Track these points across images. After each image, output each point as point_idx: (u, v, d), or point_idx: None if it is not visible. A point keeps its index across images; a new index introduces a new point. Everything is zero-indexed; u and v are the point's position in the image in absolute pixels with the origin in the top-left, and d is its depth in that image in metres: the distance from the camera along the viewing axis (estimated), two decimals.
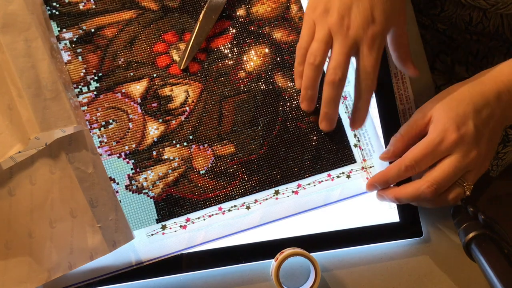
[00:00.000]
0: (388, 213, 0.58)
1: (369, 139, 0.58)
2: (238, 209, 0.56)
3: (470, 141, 0.50)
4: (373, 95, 0.59)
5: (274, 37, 0.59)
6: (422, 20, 0.77)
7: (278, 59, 0.59)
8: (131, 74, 0.57)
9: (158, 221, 0.55)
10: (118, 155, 0.55)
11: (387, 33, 0.52)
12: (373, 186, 0.56)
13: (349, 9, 0.50)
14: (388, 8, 0.50)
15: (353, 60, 0.52)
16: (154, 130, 0.56)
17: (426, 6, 0.74)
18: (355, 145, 0.58)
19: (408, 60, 0.55)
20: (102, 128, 0.56)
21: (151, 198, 0.55)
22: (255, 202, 0.56)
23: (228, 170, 0.56)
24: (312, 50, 0.52)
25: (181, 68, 0.57)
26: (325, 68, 0.54)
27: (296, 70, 0.55)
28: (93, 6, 0.58)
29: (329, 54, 0.52)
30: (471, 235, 0.51)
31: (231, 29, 0.59)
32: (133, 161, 0.55)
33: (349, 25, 0.50)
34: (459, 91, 0.52)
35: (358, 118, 0.54)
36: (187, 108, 0.57)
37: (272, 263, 0.55)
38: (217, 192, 0.56)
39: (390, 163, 0.55)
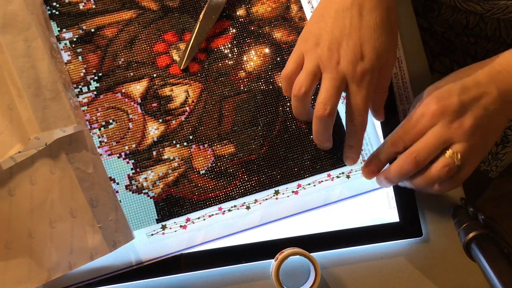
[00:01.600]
0: (388, 213, 0.58)
1: (369, 139, 0.58)
2: (238, 209, 0.56)
3: (452, 112, 0.48)
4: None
5: (274, 37, 0.59)
6: (420, 23, 0.77)
7: (278, 59, 0.59)
8: (131, 74, 0.57)
9: (158, 221, 0.55)
10: (118, 155, 0.55)
11: (377, 70, 0.51)
12: (370, 167, 0.55)
13: (339, 44, 0.49)
14: (379, 46, 0.49)
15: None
16: (154, 130, 0.56)
17: (423, 9, 0.74)
18: None
19: (381, 107, 0.55)
20: (102, 128, 0.56)
21: (151, 198, 0.55)
22: (255, 202, 0.56)
23: (228, 170, 0.56)
24: (298, 80, 0.51)
25: (181, 68, 0.57)
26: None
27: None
28: (93, 6, 0.58)
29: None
30: (471, 235, 0.51)
31: (231, 29, 0.59)
32: (133, 161, 0.55)
33: (338, 60, 0.49)
34: (450, 75, 0.52)
35: (352, 155, 0.55)
36: (187, 108, 0.57)
37: (272, 263, 0.55)
38: (217, 192, 0.56)
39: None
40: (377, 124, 0.60)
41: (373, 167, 0.55)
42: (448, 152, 0.49)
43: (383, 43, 0.50)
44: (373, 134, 0.58)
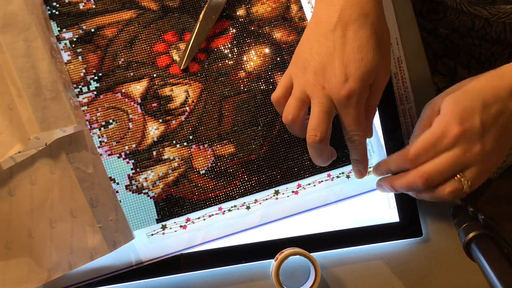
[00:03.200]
0: (388, 213, 0.58)
1: (370, 144, 0.58)
2: (238, 209, 0.56)
3: (474, 136, 0.48)
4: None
5: (274, 37, 0.59)
6: (424, 24, 0.77)
7: (278, 59, 0.59)
8: (131, 74, 0.57)
9: (158, 221, 0.55)
10: (118, 155, 0.55)
11: (366, 89, 0.49)
12: (379, 170, 0.55)
13: (323, 68, 0.49)
14: (364, 65, 0.48)
15: None
16: (154, 130, 0.56)
17: (428, 12, 0.73)
18: None
19: (370, 125, 0.55)
20: (102, 128, 0.56)
21: (151, 198, 0.55)
22: (255, 202, 0.56)
23: (228, 170, 0.56)
24: (286, 108, 0.51)
25: (181, 68, 0.57)
26: None
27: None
28: (93, 6, 0.58)
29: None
30: (471, 235, 0.51)
31: (231, 29, 0.59)
32: (133, 161, 0.55)
33: (323, 84, 0.49)
34: (471, 84, 0.51)
35: (359, 169, 0.55)
36: (187, 108, 0.57)
37: (272, 263, 0.55)
38: (217, 192, 0.56)
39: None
40: (377, 124, 0.59)
41: (380, 173, 0.55)
42: (458, 177, 0.49)
43: (369, 62, 0.48)
44: (374, 135, 0.58)
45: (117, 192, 0.55)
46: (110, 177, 0.55)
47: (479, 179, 0.49)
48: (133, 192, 0.55)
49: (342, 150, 0.57)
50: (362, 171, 0.55)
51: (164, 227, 0.55)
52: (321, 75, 0.49)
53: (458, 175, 0.49)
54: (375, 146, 0.58)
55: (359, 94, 0.49)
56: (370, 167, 0.58)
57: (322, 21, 0.50)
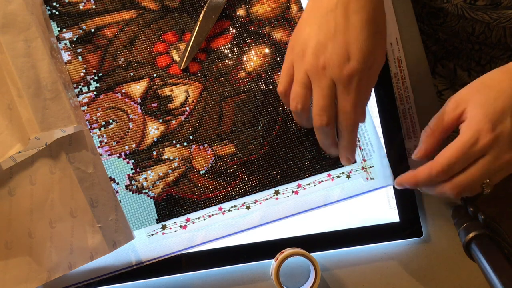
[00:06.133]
0: (388, 213, 0.58)
1: (369, 139, 0.58)
2: (238, 209, 0.56)
3: (505, 142, 0.47)
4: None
5: (274, 37, 0.59)
6: (424, 28, 0.76)
7: (278, 59, 0.59)
8: (131, 74, 0.57)
9: (158, 221, 0.55)
10: (118, 155, 0.55)
11: (366, 72, 0.48)
12: (402, 186, 0.54)
13: (324, 48, 0.47)
14: (366, 47, 0.47)
15: None
16: (154, 130, 0.56)
17: (428, 16, 0.73)
18: None
19: (363, 110, 0.52)
20: (102, 128, 0.56)
21: (151, 198, 0.55)
22: (255, 202, 0.56)
23: (228, 170, 0.56)
24: (293, 95, 0.50)
25: (181, 68, 0.57)
26: None
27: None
28: (93, 6, 0.58)
29: None
30: (471, 235, 0.51)
31: (231, 29, 0.59)
32: (133, 161, 0.55)
33: (324, 64, 0.47)
34: (498, 79, 0.49)
35: (347, 155, 0.54)
36: (187, 108, 0.57)
37: (272, 263, 0.55)
38: (217, 192, 0.56)
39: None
40: (377, 124, 0.60)
41: (409, 187, 0.54)
42: (484, 183, 0.48)
43: (370, 44, 0.47)
44: (373, 134, 0.58)
45: (117, 192, 0.55)
46: (110, 177, 0.55)
47: (499, 180, 0.49)
48: (133, 192, 0.55)
49: None
50: (349, 157, 0.55)
51: (164, 227, 0.55)
52: (322, 55, 0.47)
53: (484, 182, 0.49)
54: (375, 146, 0.58)
55: (360, 76, 0.47)
56: (371, 166, 0.58)
57: (322, 3, 0.49)
